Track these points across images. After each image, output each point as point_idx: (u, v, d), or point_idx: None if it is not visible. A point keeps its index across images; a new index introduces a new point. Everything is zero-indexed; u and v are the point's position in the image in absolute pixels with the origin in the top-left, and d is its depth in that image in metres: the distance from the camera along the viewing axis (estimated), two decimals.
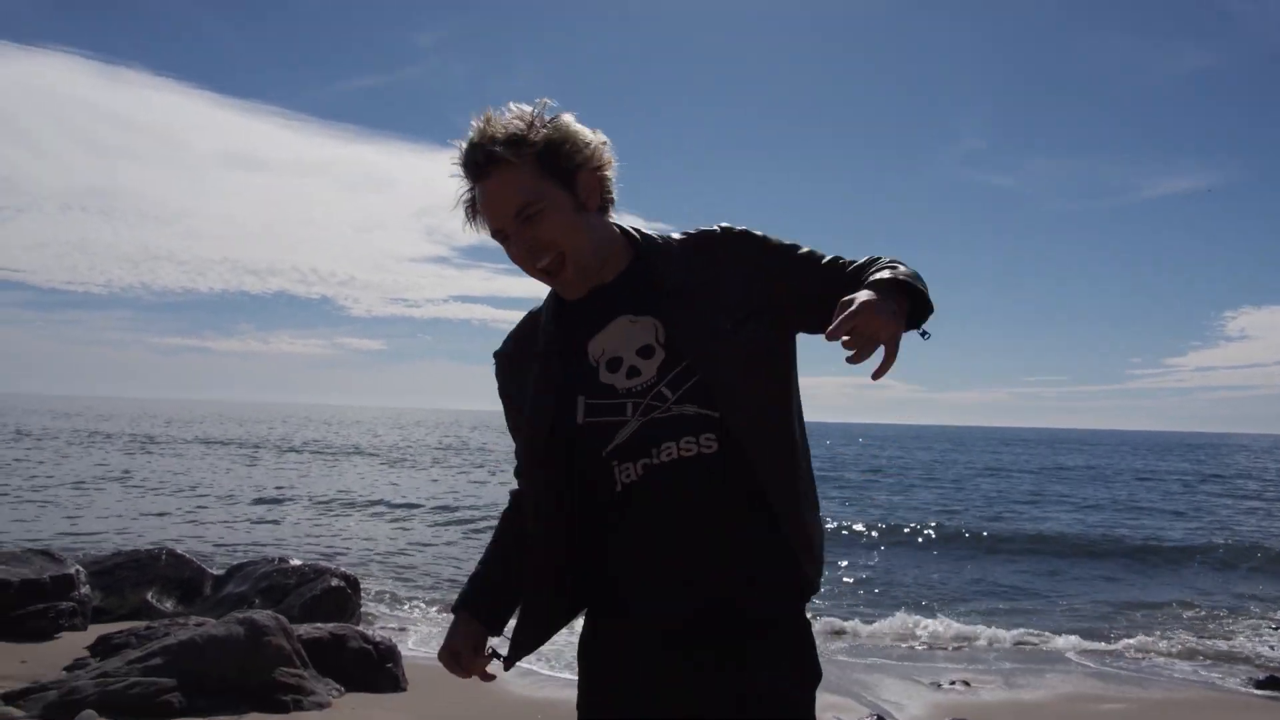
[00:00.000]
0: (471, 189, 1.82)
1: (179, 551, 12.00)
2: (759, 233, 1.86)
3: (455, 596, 2.17)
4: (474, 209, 1.85)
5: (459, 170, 1.79)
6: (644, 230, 1.93)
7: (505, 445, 54.29)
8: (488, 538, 2.16)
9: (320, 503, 24.16)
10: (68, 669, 7.69)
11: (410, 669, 8.44)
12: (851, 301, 1.55)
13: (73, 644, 8.76)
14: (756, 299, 1.80)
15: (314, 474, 33.03)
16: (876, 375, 1.55)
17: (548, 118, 1.78)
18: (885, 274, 1.67)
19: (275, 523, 20.25)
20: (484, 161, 1.74)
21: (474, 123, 1.75)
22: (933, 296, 1.71)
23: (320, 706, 7.02)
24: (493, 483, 32.05)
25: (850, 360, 1.53)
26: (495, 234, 1.81)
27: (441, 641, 2.08)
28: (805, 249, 1.88)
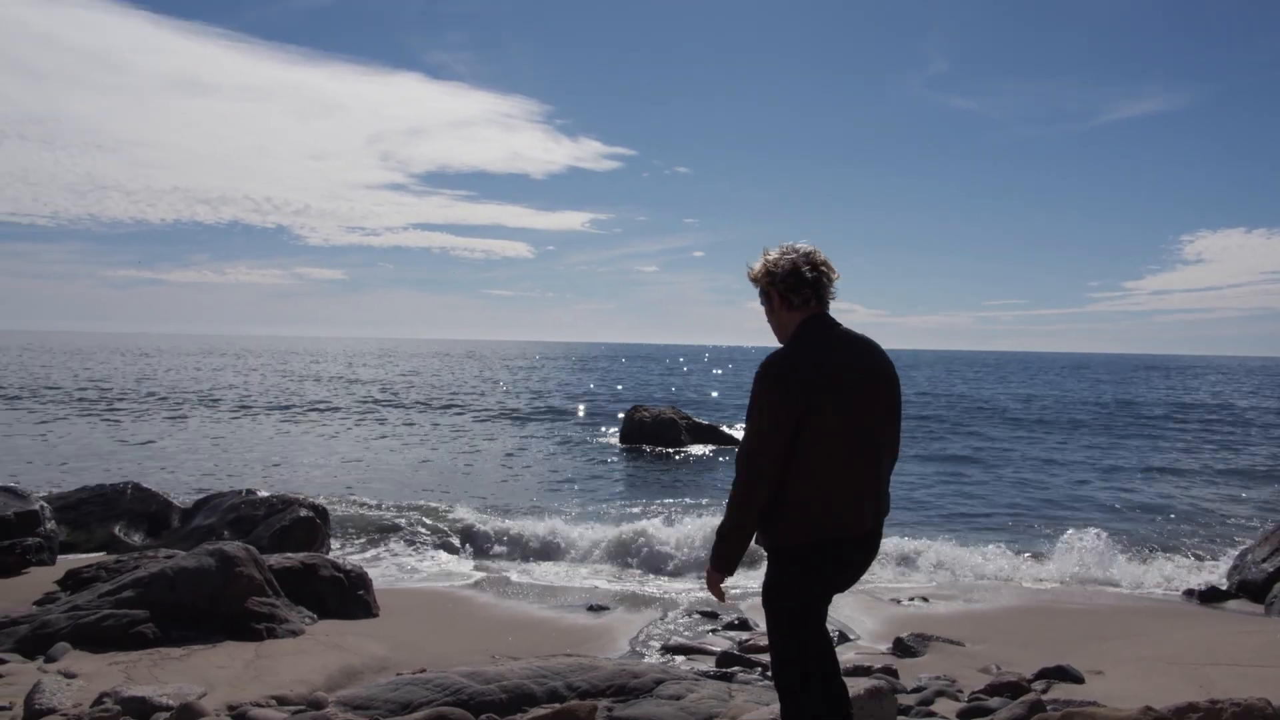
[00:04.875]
0: None
1: (145, 485, 11.98)
2: (753, 388, 2.92)
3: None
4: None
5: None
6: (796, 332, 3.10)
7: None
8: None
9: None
10: (38, 603, 7.72)
11: (381, 595, 8.59)
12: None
13: (41, 578, 8.78)
14: None
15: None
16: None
17: None
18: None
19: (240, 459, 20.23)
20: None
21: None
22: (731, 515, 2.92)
23: (294, 634, 7.13)
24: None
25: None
26: None
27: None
28: (748, 419, 2.94)
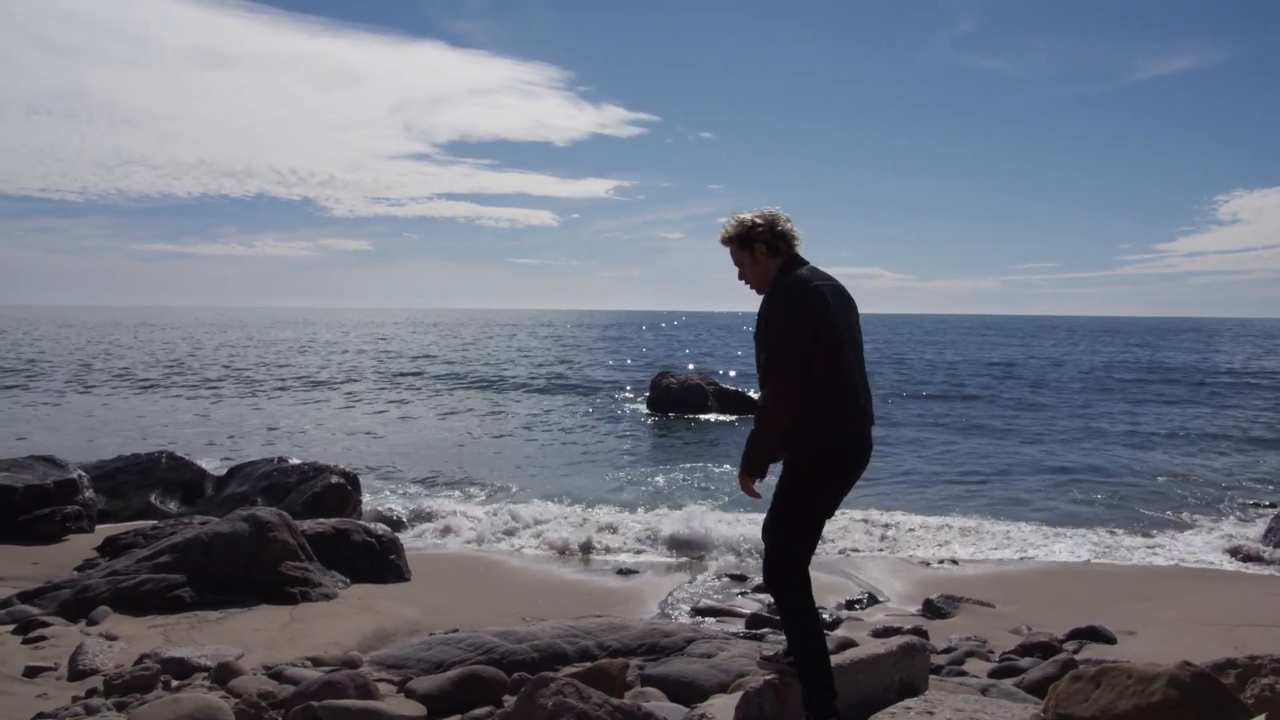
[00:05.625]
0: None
1: (179, 454, 12.15)
2: (766, 313, 3.34)
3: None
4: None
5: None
6: (784, 272, 3.44)
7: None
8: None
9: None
10: (78, 569, 7.88)
11: (413, 560, 8.68)
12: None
13: (81, 545, 8.96)
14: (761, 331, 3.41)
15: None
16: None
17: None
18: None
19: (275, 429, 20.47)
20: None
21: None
22: (761, 432, 3.27)
23: (327, 597, 7.22)
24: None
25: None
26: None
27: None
28: (767, 350, 3.31)
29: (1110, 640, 6.52)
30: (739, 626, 6.92)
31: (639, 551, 9.83)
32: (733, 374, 33.15)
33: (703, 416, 22.47)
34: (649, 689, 4.34)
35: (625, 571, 8.95)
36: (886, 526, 10.83)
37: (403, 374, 35.97)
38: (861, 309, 3.63)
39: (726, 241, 3.50)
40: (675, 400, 23.28)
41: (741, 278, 3.51)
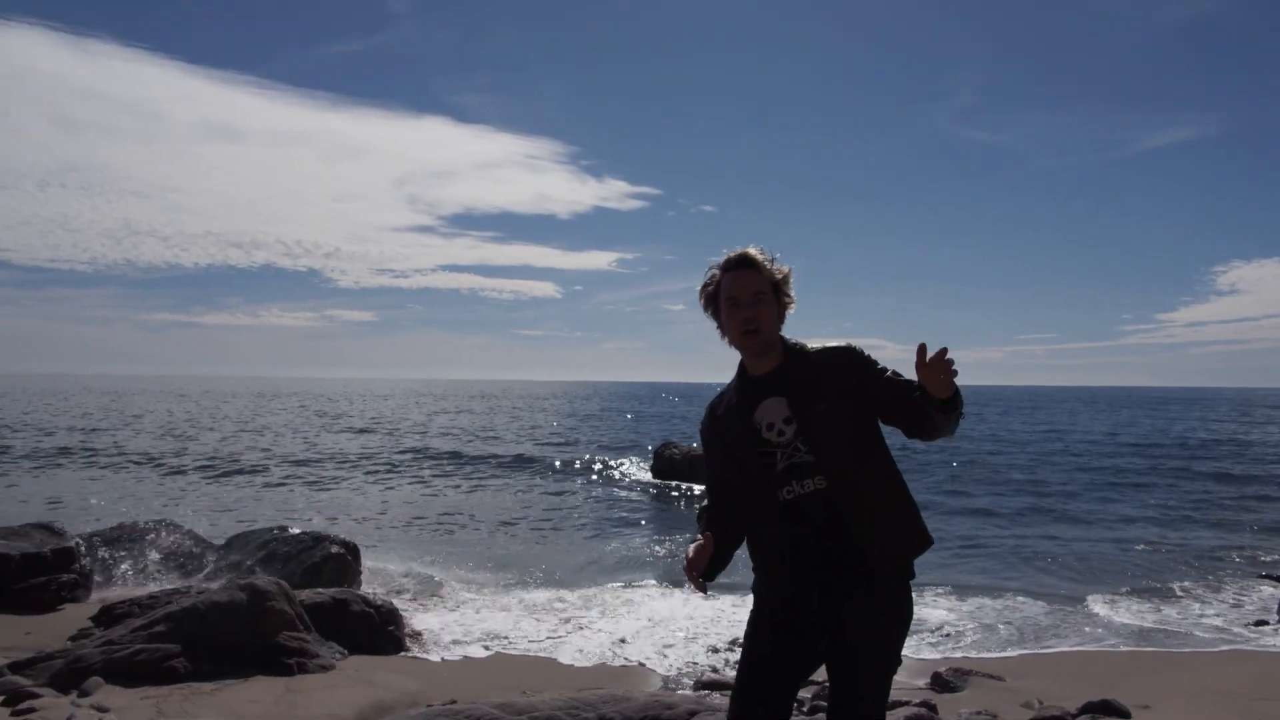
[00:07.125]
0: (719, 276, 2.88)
1: (177, 523, 12.05)
2: (865, 354, 2.83)
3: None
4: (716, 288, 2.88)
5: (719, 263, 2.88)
6: (787, 340, 2.90)
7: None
8: None
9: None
10: (72, 639, 7.75)
11: (411, 635, 8.53)
12: (949, 359, 2.50)
13: (76, 615, 8.82)
14: (851, 388, 2.77)
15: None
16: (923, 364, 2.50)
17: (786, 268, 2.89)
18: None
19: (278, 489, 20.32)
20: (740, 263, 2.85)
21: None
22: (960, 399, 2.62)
23: (324, 669, 7.08)
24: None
25: (923, 379, 2.51)
26: (728, 300, 2.84)
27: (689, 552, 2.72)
28: (888, 372, 2.80)
29: (1125, 715, 6.36)
30: None
31: (640, 623, 9.69)
32: None
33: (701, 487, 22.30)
34: None
35: (628, 644, 8.79)
36: None
37: (407, 449, 35.81)
38: None
39: (760, 270, 2.83)
40: (679, 470, 23.18)
41: (749, 315, 2.80)
